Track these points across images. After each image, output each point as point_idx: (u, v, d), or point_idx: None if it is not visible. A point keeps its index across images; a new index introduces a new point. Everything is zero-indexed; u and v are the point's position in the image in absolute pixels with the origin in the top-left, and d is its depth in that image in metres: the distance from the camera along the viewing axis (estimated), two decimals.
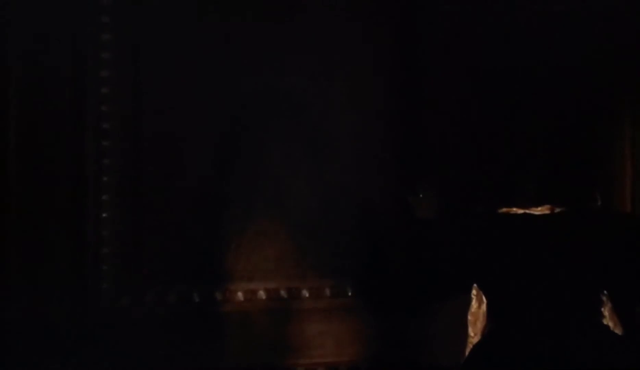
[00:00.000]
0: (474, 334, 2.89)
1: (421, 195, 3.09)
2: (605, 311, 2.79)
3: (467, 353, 2.88)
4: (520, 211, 2.79)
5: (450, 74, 3.45)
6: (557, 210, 2.78)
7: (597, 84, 3.44)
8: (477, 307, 2.88)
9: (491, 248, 2.78)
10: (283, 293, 3.48)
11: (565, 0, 3.39)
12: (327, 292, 3.50)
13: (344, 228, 3.46)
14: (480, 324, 2.88)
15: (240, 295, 3.45)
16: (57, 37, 3.26)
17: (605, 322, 2.79)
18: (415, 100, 3.50)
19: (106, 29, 3.36)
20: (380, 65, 3.50)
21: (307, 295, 3.48)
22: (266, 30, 3.44)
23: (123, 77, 3.37)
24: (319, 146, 3.49)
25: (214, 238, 3.43)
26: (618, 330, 2.80)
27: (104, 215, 3.36)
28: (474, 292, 2.89)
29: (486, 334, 2.85)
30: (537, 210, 2.78)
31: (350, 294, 3.50)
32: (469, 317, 2.91)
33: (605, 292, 2.79)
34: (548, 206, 2.79)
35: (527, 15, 3.41)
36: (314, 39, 3.46)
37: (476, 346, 2.85)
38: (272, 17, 3.44)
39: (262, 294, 3.47)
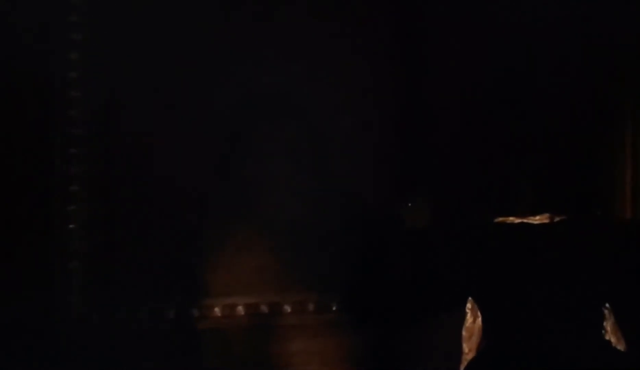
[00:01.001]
0: (469, 349, 2.85)
1: (411, 204, 3.07)
2: (608, 326, 2.76)
3: None
4: (518, 220, 2.77)
5: (444, 80, 3.44)
6: (557, 218, 2.76)
7: (596, 89, 3.44)
8: (472, 322, 2.85)
9: (486, 259, 2.75)
10: (264, 308, 3.43)
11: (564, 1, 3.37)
12: (311, 307, 3.45)
13: (330, 238, 3.42)
14: (475, 340, 2.85)
15: (217, 310, 3.39)
16: (21, 39, 3.21)
17: (607, 337, 2.76)
18: (407, 106, 3.48)
19: (75, 28, 3.32)
20: (373, 72, 3.48)
21: (289, 310, 3.43)
22: (251, 29, 3.40)
23: (92, 79, 3.32)
24: (303, 151, 3.45)
25: (190, 249, 3.38)
26: (621, 347, 2.77)
27: (71, 226, 3.30)
28: (468, 305, 2.85)
29: (481, 350, 2.82)
30: (536, 219, 2.76)
31: (335, 308, 3.46)
32: (464, 332, 2.87)
33: (607, 305, 2.76)
34: (547, 215, 2.76)
35: (524, 22, 3.41)
36: (301, 39, 3.44)
37: (471, 363, 2.81)
38: (260, 15, 3.41)
39: (241, 310, 3.41)
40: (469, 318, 2.85)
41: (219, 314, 3.38)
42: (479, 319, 2.81)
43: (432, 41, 3.44)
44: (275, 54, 3.39)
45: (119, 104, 3.31)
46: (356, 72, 3.44)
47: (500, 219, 2.77)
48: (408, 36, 3.44)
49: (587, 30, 3.39)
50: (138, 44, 3.30)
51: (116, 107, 3.31)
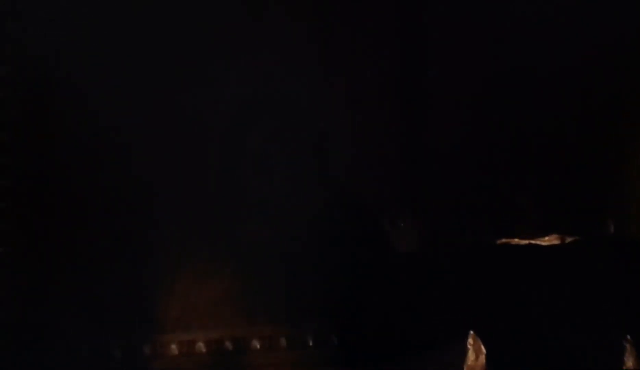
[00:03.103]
0: None
1: (402, 225, 3.07)
2: (629, 361, 2.74)
3: None
4: (524, 242, 2.80)
5: (442, 85, 3.40)
6: (568, 239, 2.79)
7: (609, 95, 3.41)
8: (475, 359, 2.83)
9: (489, 286, 2.77)
10: (228, 344, 3.34)
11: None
12: (283, 342, 3.37)
13: (304, 262, 3.32)
14: None
15: (174, 348, 3.30)
16: None
17: None
18: (398, 114, 3.43)
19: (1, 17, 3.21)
20: (361, 79, 3.42)
21: (258, 346, 3.35)
22: (223, 26, 3.32)
23: (22, 77, 3.21)
24: (275, 162, 3.37)
25: (140, 275, 3.27)
26: None
27: None
28: (470, 341, 2.83)
29: None
30: (545, 241, 2.79)
31: (311, 344, 3.37)
32: None
33: (628, 337, 2.74)
34: (557, 235, 2.80)
35: (529, 26, 3.37)
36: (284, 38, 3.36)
37: None
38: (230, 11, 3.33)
39: (201, 346, 3.32)
40: (470, 355, 2.82)
41: (176, 352, 3.30)
42: (483, 356, 2.79)
43: (432, 46, 3.41)
44: (249, 53, 3.33)
45: (54, 106, 3.22)
46: (342, 77, 3.40)
47: (504, 240, 2.81)
48: (408, 40, 3.43)
49: (598, 32, 3.37)
50: (75, 38, 3.20)
51: (50, 109, 3.22)
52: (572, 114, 3.15)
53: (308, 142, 3.34)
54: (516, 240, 2.78)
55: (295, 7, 3.35)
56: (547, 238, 2.78)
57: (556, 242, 2.78)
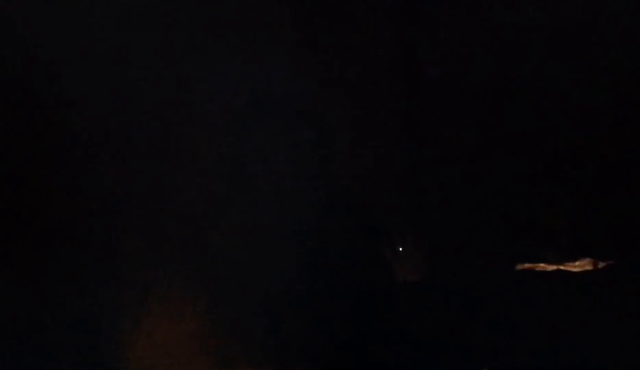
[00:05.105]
0: None
1: (402, 249, 2.97)
2: None
3: None
4: (551, 267, 2.75)
5: (452, 87, 3.32)
6: (601, 264, 2.74)
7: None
8: None
9: (506, 320, 2.69)
10: None
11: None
12: None
13: (294, 290, 3.16)
14: None
15: None
16: None
17: None
18: (401, 122, 3.37)
19: None
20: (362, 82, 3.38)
21: None
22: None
23: None
24: (259, 169, 3.20)
25: (96, 309, 3.14)
26: None
27: None
28: None
29: None
30: (575, 266, 2.73)
31: None
32: None
33: None
34: (589, 260, 2.74)
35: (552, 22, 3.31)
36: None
37: None
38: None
39: None
40: None
41: None
42: None
43: (438, 48, 3.36)
44: (247, 55, 3.26)
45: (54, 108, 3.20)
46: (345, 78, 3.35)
47: (528, 265, 2.76)
48: (412, 44, 3.39)
49: (624, 33, 3.28)
50: (70, 36, 3.20)
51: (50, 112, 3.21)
52: (605, 126, 3.08)
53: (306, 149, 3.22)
54: (542, 266, 2.75)
55: (294, 8, 3.33)
56: (577, 263, 2.74)
57: (588, 267, 2.74)
